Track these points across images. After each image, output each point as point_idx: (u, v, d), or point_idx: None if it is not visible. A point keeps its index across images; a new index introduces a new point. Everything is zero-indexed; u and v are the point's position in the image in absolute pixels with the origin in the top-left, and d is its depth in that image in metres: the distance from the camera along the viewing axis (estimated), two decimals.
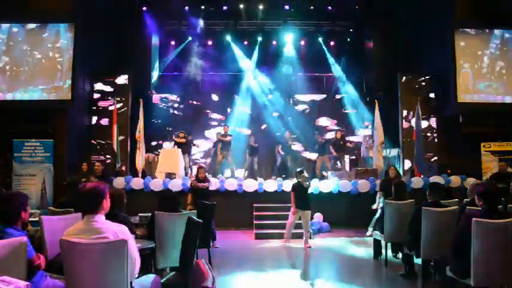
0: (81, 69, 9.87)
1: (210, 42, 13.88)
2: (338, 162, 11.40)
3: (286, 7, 12.75)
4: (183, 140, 10.59)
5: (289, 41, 13.89)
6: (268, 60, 14.01)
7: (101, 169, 8.69)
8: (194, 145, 11.53)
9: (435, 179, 9.11)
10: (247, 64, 14.00)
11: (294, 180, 7.65)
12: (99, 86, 10.75)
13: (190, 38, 13.66)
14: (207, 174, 8.08)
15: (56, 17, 9.62)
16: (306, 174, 7.57)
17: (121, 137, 10.11)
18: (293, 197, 7.26)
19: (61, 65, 9.58)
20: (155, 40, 13.45)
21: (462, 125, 10.16)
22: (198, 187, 7.54)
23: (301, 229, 7.36)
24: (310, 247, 7.04)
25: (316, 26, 13.68)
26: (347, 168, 11.52)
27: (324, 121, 14.29)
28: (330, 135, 13.47)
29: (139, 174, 9.59)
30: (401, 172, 10.12)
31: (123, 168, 9.95)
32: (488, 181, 7.11)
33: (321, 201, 8.84)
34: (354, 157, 12.84)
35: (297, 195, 7.22)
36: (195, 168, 10.76)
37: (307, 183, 7.45)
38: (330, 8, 12.84)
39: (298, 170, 7.60)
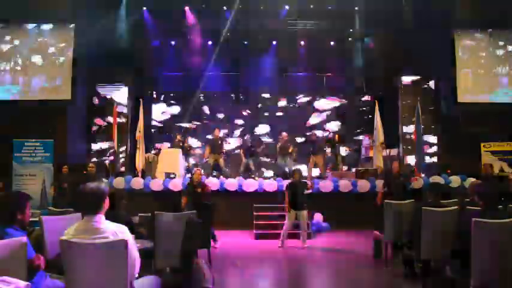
0: (81, 69, 9.87)
1: (210, 42, 13.87)
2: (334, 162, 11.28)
3: (287, 7, 12.74)
4: (180, 144, 10.48)
5: (289, 40, 13.85)
6: (268, 60, 13.98)
7: (94, 170, 8.40)
8: (189, 148, 11.09)
9: (435, 179, 9.11)
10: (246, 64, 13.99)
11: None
12: (99, 85, 10.75)
13: (190, 38, 13.64)
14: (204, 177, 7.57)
15: (55, 17, 9.64)
16: (301, 172, 7.51)
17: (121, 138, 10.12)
18: (287, 197, 7.11)
19: (61, 65, 9.60)
20: (155, 40, 13.43)
21: (462, 125, 10.17)
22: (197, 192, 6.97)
23: (299, 229, 7.31)
24: (307, 247, 6.99)
25: (316, 25, 13.65)
26: (344, 168, 11.38)
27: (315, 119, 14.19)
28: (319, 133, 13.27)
29: (139, 174, 9.59)
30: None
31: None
32: None
33: (321, 201, 8.83)
34: (350, 147, 12.73)
35: (292, 195, 7.07)
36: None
37: (305, 181, 7.39)
38: (329, 7, 12.81)
39: (294, 168, 7.56)
